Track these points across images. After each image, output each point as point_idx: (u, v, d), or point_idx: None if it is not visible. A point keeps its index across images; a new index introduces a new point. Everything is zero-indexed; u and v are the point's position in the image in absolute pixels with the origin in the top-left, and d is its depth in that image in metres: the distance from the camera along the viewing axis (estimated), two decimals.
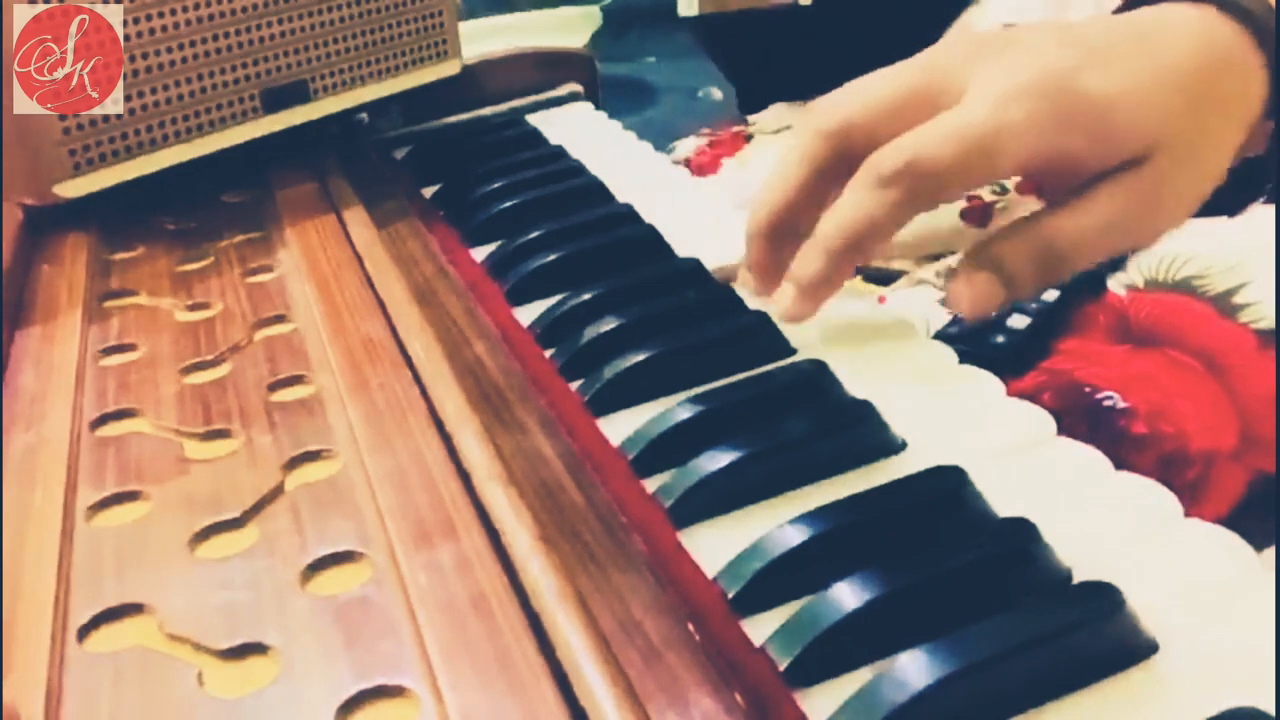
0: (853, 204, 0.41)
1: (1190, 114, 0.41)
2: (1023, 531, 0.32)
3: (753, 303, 0.45)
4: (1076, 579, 0.31)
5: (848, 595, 0.30)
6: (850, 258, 0.42)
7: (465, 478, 0.37)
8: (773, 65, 1.22)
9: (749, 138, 0.98)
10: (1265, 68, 0.42)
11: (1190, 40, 0.42)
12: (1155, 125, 0.41)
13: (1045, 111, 0.39)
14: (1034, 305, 0.59)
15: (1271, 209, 0.61)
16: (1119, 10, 0.44)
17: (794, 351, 0.43)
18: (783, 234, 0.44)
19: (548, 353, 0.45)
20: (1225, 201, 0.47)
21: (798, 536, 0.32)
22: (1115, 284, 0.59)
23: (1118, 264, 0.60)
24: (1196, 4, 0.42)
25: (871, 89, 0.43)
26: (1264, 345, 0.55)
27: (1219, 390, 0.54)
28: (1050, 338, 0.58)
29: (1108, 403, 0.54)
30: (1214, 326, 0.56)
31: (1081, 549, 0.32)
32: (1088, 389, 0.54)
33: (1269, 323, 0.55)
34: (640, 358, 0.41)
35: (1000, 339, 0.57)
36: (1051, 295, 0.59)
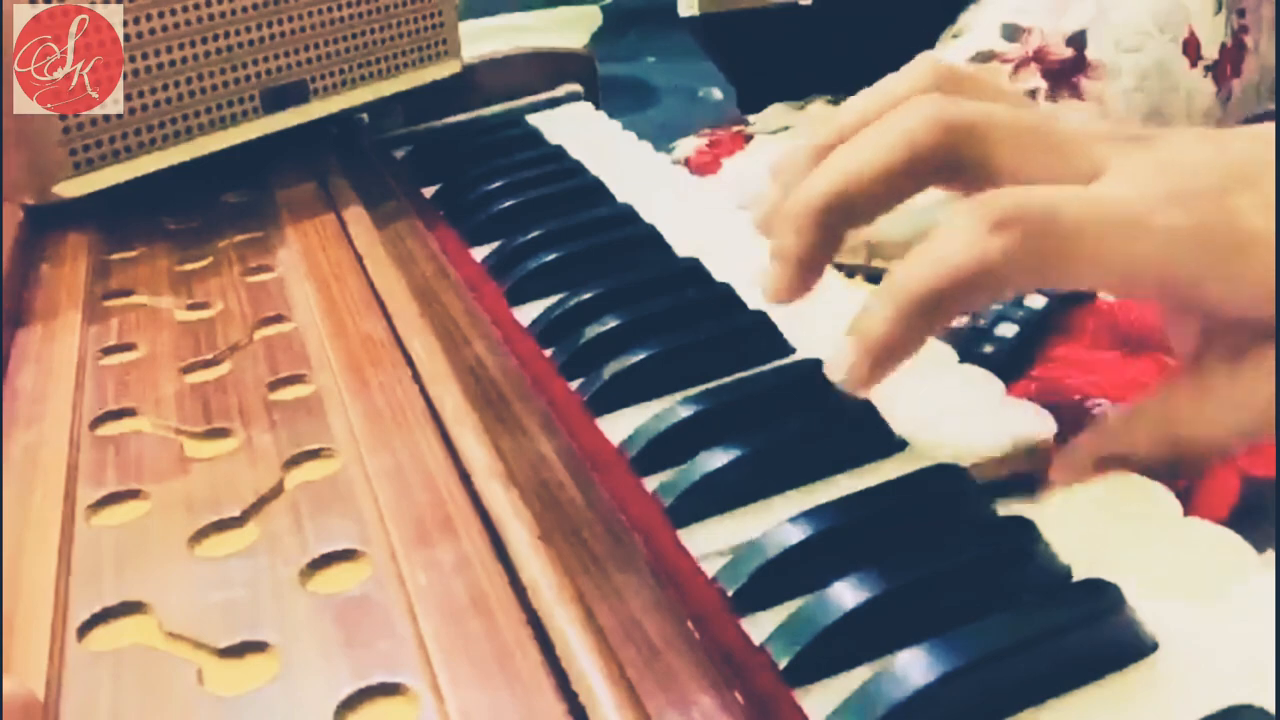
0: (950, 243, 0.32)
1: None
2: (1022, 530, 0.32)
3: (753, 302, 0.45)
4: (1076, 577, 0.31)
5: (847, 594, 0.29)
6: (930, 321, 0.32)
7: (465, 477, 0.37)
8: (773, 65, 1.22)
9: (749, 138, 0.99)
10: None
11: None
12: None
13: (1190, 228, 0.31)
14: (1021, 314, 0.58)
15: None
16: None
17: (794, 350, 0.43)
18: (839, 221, 0.35)
19: (547, 352, 0.45)
20: None
21: (797, 534, 0.32)
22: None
23: None
24: None
25: (1007, 111, 0.35)
26: None
27: None
28: (1039, 345, 0.57)
29: (1097, 410, 0.53)
30: None
31: (1081, 547, 0.32)
32: (1077, 396, 0.54)
33: None
34: (640, 357, 0.41)
35: (989, 348, 0.57)
36: (1040, 302, 0.59)
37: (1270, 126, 0.34)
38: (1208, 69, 0.99)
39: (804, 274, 0.36)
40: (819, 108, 1.09)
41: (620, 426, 0.39)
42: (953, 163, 0.34)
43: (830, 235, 0.35)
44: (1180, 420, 0.34)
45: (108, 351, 0.47)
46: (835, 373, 0.34)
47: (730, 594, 0.31)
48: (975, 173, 0.34)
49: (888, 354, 0.33)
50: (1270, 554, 0.35)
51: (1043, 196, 0.32)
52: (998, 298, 0.35)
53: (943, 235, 0.32)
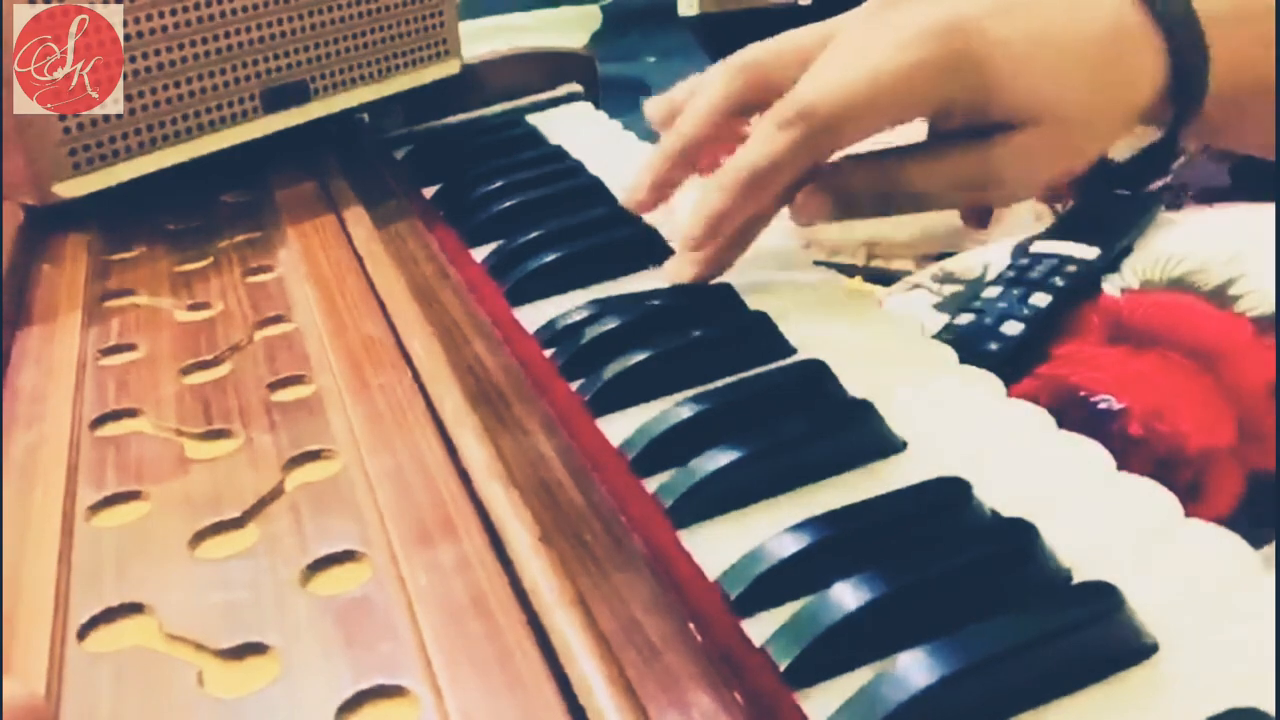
0: (755, 143, 0.44)
1: (1090, 86, 0.41)
2: (1023, 532, 0.32)
3: (753, 302, 0.45)
4: (1077, 579, 0.31)
5: (848, 595, 0.29)
6: (750, 195, 0.44)
7: (465, 478, 0.37)
8: None
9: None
10: (1167, 55, 0.42)
11: (1105, 12, 0.42)
12: (1049, 90, 0.40)
13: (940, 54, 0.40)
14: (1027, 312, 0.58)
15: (1266, 205, 0.61)
16: None
17: (794, 351, 0.43)
18: (688, 160, 0.49)
19: (548, 352, 0.45)
20: (1126, 178, 0.47)
21: (802, 541, 0.32)
22: (1110, 286, 0.59)
23: (1112, 267, 0.60)
24: None
25: (786, 35, 0.47)
26: (1261, 332, 0.54)
27: (1215, 386, 0.54)
28: (1045, 343, 0.57)
29: (1102, 405, 0.53)
30: (1209, 319, 0.55)
31: (1082, 549, 0.32)
32: (1082, 393, 0.54)
33: (1266, 309, 0.55)
34: (641, 357, 0.41)
35: (994, 346, 0.57)
36: (1044, 300, 0.59)
37: None
38: None
39: (655, 196, 0.50)
40: None
41: (621, 427, 0.39)
42: (756, 89, 0.47)
43: (678, 168, 0.49)
44: (902, 176, 0.44)
45: (108, 352, 0.47)
46: (672, 268, 0.47)
47: (734, 597, 0.31)
48: (775, 87, 0.45)
49: (721, 220, 0.45)
50: (1270, 553, 0.35)
51: (808, 93, 0.42)
52: (795, 173, 0.44)
53: (752, 137, 0.44)
